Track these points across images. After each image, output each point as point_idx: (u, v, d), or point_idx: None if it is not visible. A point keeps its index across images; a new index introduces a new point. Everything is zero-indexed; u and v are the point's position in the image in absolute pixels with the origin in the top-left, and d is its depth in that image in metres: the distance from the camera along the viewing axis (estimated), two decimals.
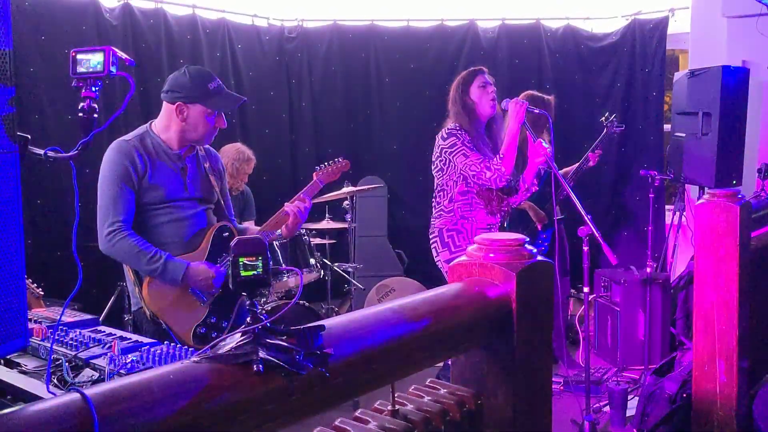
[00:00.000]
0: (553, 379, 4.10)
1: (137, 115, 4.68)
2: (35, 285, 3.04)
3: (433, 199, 3.56)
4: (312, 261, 4.26)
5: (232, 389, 0.96)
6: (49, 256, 4.26)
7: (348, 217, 4.87)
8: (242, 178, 4.68)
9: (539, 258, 1.50)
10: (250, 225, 2.86)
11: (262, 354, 0.98)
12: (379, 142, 6.16)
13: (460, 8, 6.04)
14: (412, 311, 1.28)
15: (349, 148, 5.99)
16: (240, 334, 1.04)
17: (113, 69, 1.18)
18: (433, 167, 3.52)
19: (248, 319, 1.04)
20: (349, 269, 4.93)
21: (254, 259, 1.03)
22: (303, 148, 6.03)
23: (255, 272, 1.04)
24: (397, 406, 1.31)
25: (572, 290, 5.21)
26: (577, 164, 4.62)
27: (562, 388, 4.03)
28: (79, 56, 1.20)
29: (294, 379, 1.01)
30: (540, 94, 4.47)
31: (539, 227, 4.47)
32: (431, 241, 3.53)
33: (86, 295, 4.25)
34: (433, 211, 3.54)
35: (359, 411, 1.29)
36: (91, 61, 1.18)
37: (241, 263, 1.04)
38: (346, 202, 4.86)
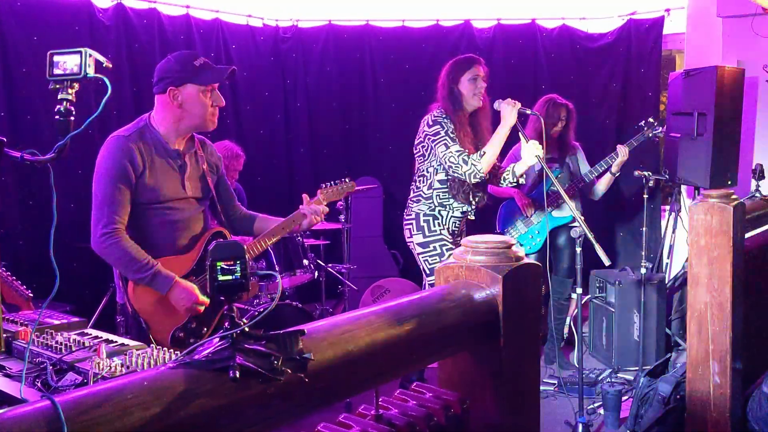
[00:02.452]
0: (546, 381, 4.11)
1: (130, 115, 4.64)
2: (24, 287, 3.01)
3: (412, 183, 3.61)
4: (306, 262, 4.24)
5: (207, 395, 0.94)
6: (40, 257, 4.24)
7: (342, 217, 4.86)
8: (232, 174, 4.67)
9: (527, 260, 1.48)
10: (266, 216, 2.84)
11: (239, 360, 0.96)
12: (374, 142, 6.14)
13: (456, 8, 6.02)
14: (395, 315, 1.27)
15: (344, 148, 5.97)
16: (218, 338, 1.02)
17: (89, 71, 1.16)
18: (414, 150, 3.57)
19: (226, 324, 1.03)
20: (344, 270, 4.91)
21: (232, 263, 1.02)
22: (298, 148, 6.01)
23: (233, 277, 1.02)
24: (381, 411, 1.30)
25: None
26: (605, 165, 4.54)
27: (555, 389, 4.01)
28: (56, 58, 1.19)
29: (272, 384, 0.99)
30: (554, 96, 4.44)
31: (527, 214, 4.40)
32: (405, 222, 3.61)
33: (78, 297, 4.23)
34: (411, 194, 3.60)
35: (342, 416, 1.28)
36: (68, 62, 1.17)
37: (218, 267, 1.02)
38: (341, 203, 4.84)
